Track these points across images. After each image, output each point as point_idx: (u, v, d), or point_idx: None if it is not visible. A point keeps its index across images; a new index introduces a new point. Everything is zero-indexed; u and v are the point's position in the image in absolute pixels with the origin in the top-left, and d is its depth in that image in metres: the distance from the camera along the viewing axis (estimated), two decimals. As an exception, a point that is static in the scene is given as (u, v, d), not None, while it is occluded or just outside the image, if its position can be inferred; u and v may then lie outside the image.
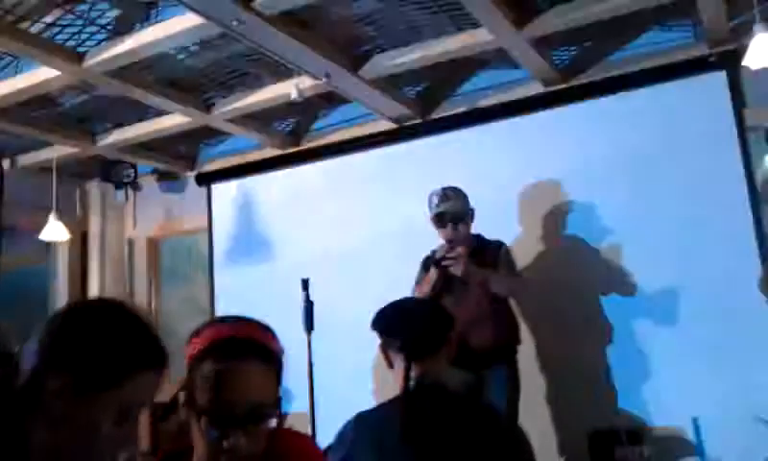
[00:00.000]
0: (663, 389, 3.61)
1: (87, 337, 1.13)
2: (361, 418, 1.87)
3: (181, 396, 1.34)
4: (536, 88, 4.24)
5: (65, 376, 1.09)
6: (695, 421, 1.68)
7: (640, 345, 3.74)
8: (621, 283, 3.82)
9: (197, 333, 1.35)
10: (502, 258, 3.56)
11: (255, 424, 1.26)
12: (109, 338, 1.13)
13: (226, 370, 1.27)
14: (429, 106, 4.60)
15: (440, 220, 3.56)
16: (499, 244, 3.62)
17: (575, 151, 4.00)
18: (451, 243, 3.51)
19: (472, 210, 3.60)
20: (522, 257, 3.79)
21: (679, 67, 3.84)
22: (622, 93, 3.94)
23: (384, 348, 1.98)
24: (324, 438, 2.42)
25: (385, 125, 4.70)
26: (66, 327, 1.15)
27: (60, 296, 5.70)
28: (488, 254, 3.56)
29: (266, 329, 1.38)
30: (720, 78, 3.75)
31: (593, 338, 3.83)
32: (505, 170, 4.13)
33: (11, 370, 1.13)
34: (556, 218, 4.01)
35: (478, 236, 3.64)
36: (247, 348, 1.31)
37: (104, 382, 1.10)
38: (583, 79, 4.14)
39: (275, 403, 1.30)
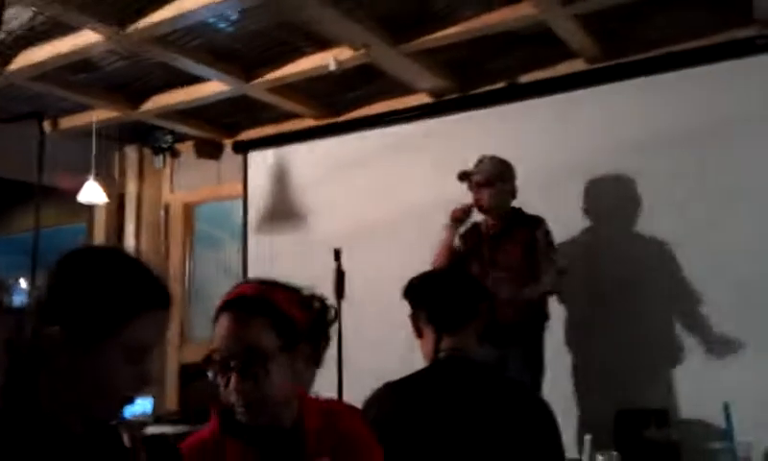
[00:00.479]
0: (693, 373, 3.57)
1: (79, 287, 1.13)
2: (390, 386, 1.88)
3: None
4: (578, 65, 4.17)
5: (62, 330, 1.08)
6: (726, 406, 1.66)
7: (672, 327, 3.70)
8: (656, 264, 3.77)
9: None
10: (539, 239, 3.49)
11: (252, 367, 1.37)
12: (102, 285, 1.13)
13: (224, 322, 1.41)
14: (468, 80, 4.55)
15: (466, 181, 3.58)
16: (535, 223, 3.54)
17: (618, 129, 3.93)
18: (480, 207, 3.54)
19: (507, 181, 3.57)
20: (558, 235, 3.76)
21: (727, 48, 3.73)
22: (667, 73, 3.85)
23: (414, 317, 1.98)
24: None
25: (423, 98, 4.68)
26: (58, 278, 1.14)
27: (98, 256, 5.80)
28: (521, 231, 3.52)
29: (274, 289, 1.46)
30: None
31: (624, 318, 3.80)
32: (544, 147, 4.08)
33: (17, 326, 1.13)
34: (594, 196, 3.95)
35: (516, 210, 3.61)
36: (244, 303, 1.43)
37: (102, 330, 1.11)
38: (628, 57, 4.06)
39: (271, 351, 1.39)
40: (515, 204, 3.63)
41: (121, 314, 1.12)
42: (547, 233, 3.53)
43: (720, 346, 3.53)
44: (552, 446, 1.81)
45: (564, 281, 3.53)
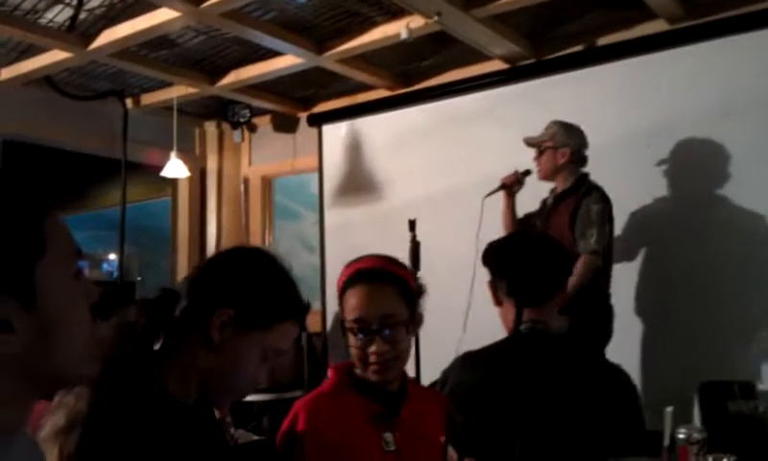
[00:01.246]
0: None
1: (253, 280, 1.30)
2: (469, 357, 1.87)
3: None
4: (659, 26, 4.02)
5: (230, 311, 1.23)
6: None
7: (756, 299, 3.57)
8: (736, 233, 3.63)
9: (345, 267, 1.65)
10: (582, 209, 3.37)
11: (388, 331, 1.55)
12: (271, 284, 1.32)
13: (360, 291, 1.59)
14: (542, 45, 4.45)
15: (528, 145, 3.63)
16: (587, 191, 3.42)
17: (701, 92, 3.77)
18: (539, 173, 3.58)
19: (564, 147, 3.51)
20: (630, 203, 3.71)
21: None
22: (754, 32, 3.66)
23: (493, 285, 1.91)
24: (427, 376, 2.44)
25: (496, 65, 4.60)
26: (233, 269, 1.30)
27: (182, 229, 6.00)
28: (569, 201, 3.44)
29: (396, 263, 1.68)
30: None
31: (704, 289, 3.68)
32: (623, 111, 3.96)
33: (170, 299, 1.26)
34: (676, 161, 3.81)
35: (579, 178, 3.53)
36: (378, 274, 1.61)
37: (260, 322, 1.26)
38: (711, 16, 3.86)
39: (404, 317, 1.58)
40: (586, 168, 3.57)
41: (278, 313, 1.29)
42: (592, 205, 3.37)
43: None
44: (632, 416, 1.77)
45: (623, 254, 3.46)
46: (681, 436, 1.35)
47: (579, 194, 3.44)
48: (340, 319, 1.63)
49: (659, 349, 3.69)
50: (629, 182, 3.63)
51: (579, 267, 3.23)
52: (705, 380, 3.11)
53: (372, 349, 1.55)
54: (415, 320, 1.64)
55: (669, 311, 3.76)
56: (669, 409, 1.33)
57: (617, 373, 1.88)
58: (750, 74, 3.66)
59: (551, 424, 1.70)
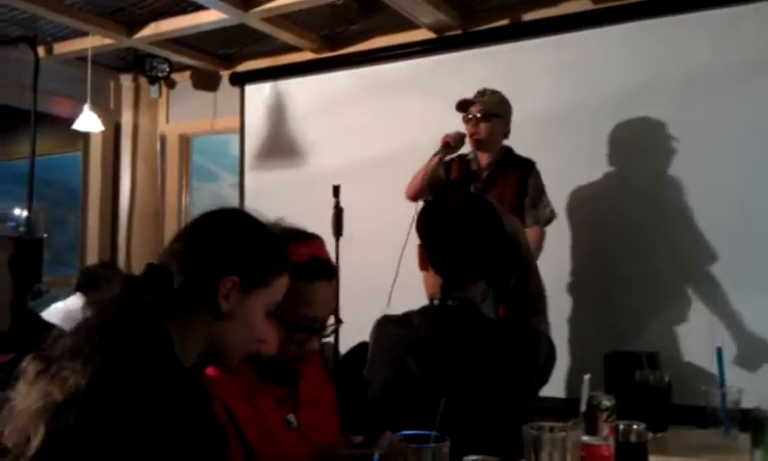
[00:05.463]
0: (683, 316, 3.61)
1: (247, 242, 1.30)
2: (386, 320, 1.85)
3: None
4: (584, 5, 4.09)
5: (234, 278, 1.23)
6: (719, 350, 1.67)
7: (664, 271, 3.72)
8: (647, 213, 3.77)
9: (284, 241, 1.48)
10: (530, 183, 3.44)
11: (325, 331, 1.55)
12: (262, 241, 1.32)
13: (320, 288, 1.51)
14: (470, 17, 4.47)
15: (464, 109, 3.48)
16: (528, 165, 3.49)
17: (622, 72, 3.87)
18: (475, 140, 3.45)
19: (503, 118, 3.50)
20: (559, 175, 3.75)
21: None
22: (678, 15, 3.77)
23: (421, 251, 1.85)
24: (347, 341, 2.44)
25: (424, 34, 4.60)
26: (225, 235, 1.29)
27: (93, 185, 5.78)
28: (514, 172, 3.46)
29: (323, 244, 1.58)
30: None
31: (616, 262, 3.81)
32: (547, 87, 4.03)
33: (159, 275, 1.22)
34: (591, 141, 3.92)
35: (507, 150, 3.55)
36: (332, 269, 1.55)
37: (262, 280, 1.28)
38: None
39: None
40: (510, 142, 3.59)
41: (275, 267, 1.31)
42: (538, 178, 3.47)
43: (711, 293, 3.56)
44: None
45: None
46: (592, 403, 1.40)
47: (523, 168, 3.47)
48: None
49: (564, 319, 3.81)
50: (549, 156, 3.68)
51: (536, 241, 3.30)
52: (612, 350, 3.23)
53: (309, 346, 1.51)
54: None
55: (574, 285, 3.88)
56: (587, 376, 1.37)
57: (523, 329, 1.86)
58: (670, 55, 3.77)
59: (470, 386, 1.71)
